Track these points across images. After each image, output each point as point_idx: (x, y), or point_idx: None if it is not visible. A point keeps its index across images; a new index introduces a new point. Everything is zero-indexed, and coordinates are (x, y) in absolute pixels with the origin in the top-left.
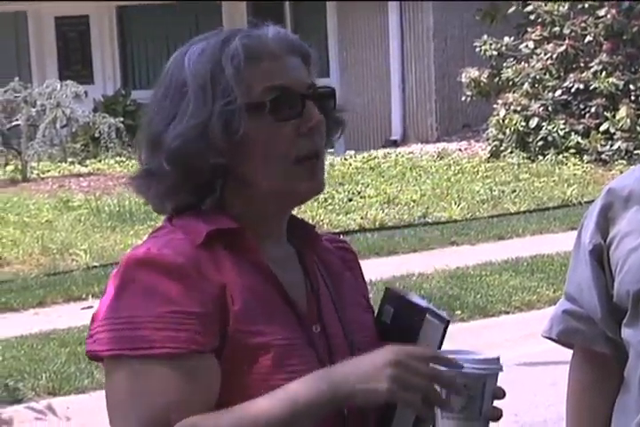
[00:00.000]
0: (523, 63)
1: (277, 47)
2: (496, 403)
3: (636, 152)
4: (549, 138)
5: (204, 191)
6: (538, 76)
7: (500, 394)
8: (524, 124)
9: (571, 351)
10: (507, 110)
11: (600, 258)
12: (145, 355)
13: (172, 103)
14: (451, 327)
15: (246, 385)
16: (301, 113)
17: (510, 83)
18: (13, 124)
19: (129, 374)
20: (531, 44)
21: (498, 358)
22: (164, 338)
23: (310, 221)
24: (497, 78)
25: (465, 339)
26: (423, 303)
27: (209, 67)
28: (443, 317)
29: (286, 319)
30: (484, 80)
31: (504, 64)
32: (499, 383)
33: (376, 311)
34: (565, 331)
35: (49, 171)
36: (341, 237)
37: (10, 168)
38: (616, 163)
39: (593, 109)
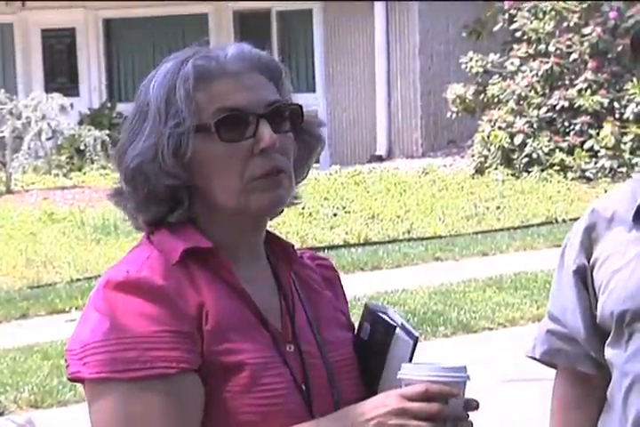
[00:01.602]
0: (508, 80)
1: (235, 66)
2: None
3: (620, 170)
4: (534, 155)
5: (171, 205)
6: (523, 94)
7: (473, 406)
8: (508, 140)
9: (554, 369)
10: (492, 127)
11: (584, 278)
12: (137, 377)
13: (137, 123)
14: (434, 343)
15: (222, 404)
16: (254, 133)
17: (495, 99)
18: None
19: (121, 397)
20: (516, 62)
21: (465, 367)
22: (155, 358)
23: (295, 236)
24: (482, 95)
25: (448, 355)
26: (397, 319)
27: (165, 88)
28: (412, 333)
29: (260, 339)
30: (470, 97)
31: (489, 81)
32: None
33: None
34: (549, 351)
35: (33, 183)
36: (325, 251)
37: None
38: (600, 180)
39: (577, 127)
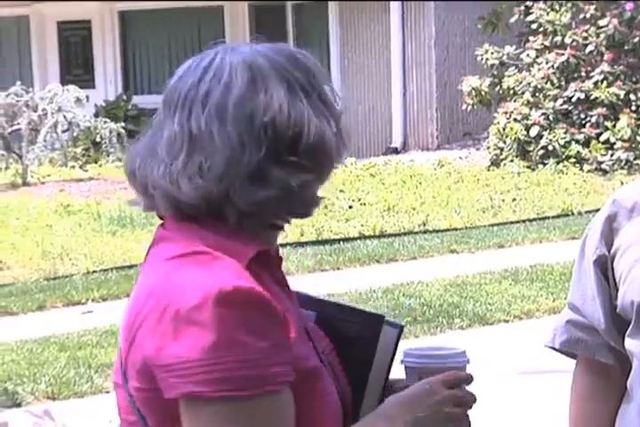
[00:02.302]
0: (524, 72)
1: None
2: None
3: (636, 162)
4: (550, 147)
5: None
6: (539, 86)
7: (470, 381)
8: (524, 133)
9: (571, 360)
10: (507, 119)
11: (604, 268)
12: (258, 394)
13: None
14: (450, 335)
15: (306, 408)
16: None
17: (511, 92)
18: (14, 128)
19: (240, 415)
20: (532, 53)
21: (464, 352)
22: (274, 374)
23: (311, 228)
24: (498, 87)
25: (464, 347)
26: (369, 310)
27: None
28: (396, 322)
29: (307, 342)
30: (485, 89)
31: (505, 73)
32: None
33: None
34: (568, 341)
35: (49, 175)
36: (341, 243)
37: (10, 172)
38: (616, 173)
39: (593, 119)
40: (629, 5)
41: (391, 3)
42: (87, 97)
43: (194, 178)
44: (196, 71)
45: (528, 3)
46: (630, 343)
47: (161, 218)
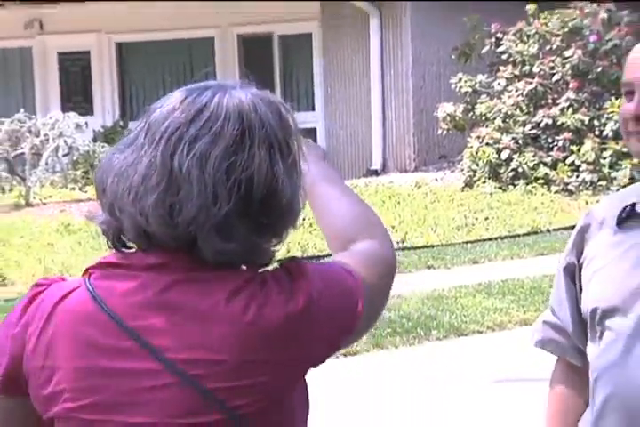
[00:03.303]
0: (495, 99)
1: None
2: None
3: (600, 183)
4: (519, 169)
5: None
6: (509, 112)
7: None
8: (496, 156)
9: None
10: (480, 143)
11: (572, 276)
12: None
13: None
14: (427, 346)
15: None
16: None
17: (483, 117)
18: (18, 152)
19: None
20: (502, 82)
21: None
22: None
23: (297, 245)
24: (471, 113)
25: (440, 357)
26: None
27: None
28: None
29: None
30: (459, 115)
31: (478, 100)
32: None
33: None
34: (542, 340)
35: (51, 196)
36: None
37: (14, 194)
38: (581, 193)
39: (560, 143)
40: (593, 37)
41: (371, 35)
42: (86, 123)
43: (164, 217)
44: (190, 108)
45: (499, 35)
46: (588, 348)
47: (116, 246)
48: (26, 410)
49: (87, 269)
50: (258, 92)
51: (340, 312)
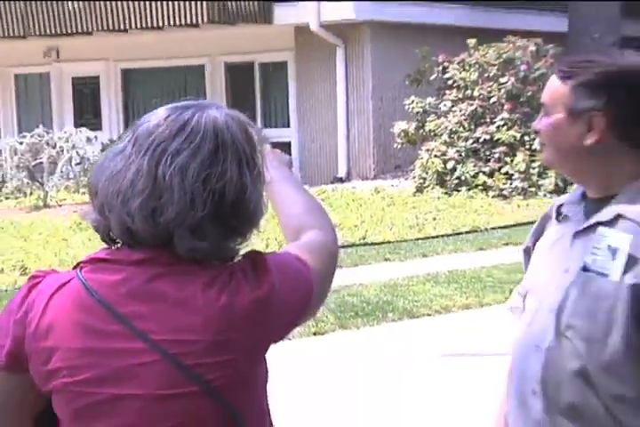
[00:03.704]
0: (442, 118)
1: None
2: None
3: (529, 189)
4: (462, 177)
5: None
6: (453, 129)
7: None
8: (442, 166)
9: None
10: (429, 155)
11: (528, 257)
12: None
13: None
14: (384, 326)
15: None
16: None
17: (432, 133)
18: (37, 161)
19: None
20: (448, 104)
21: None
22: None
23: (274, 241)
24: (421, 130)
25: (396, 337)
26: None
27: None
28: None
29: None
30: (412, 131)
31: (427, 119)
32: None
33: None
34: (511, 307)
35: (65, 199)
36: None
37: (34, 197)
38: (514, 198)
39: (496, 155)
40: (523, 67)
41: (337, 63)
42: (95, 137)
43: (148, 219)
44: (173, 125)
45: (445, 64)
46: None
47: (106, 241)
48: (26, 385)
49: (79, 264)
50: (230, 112)
51: (297, 297)
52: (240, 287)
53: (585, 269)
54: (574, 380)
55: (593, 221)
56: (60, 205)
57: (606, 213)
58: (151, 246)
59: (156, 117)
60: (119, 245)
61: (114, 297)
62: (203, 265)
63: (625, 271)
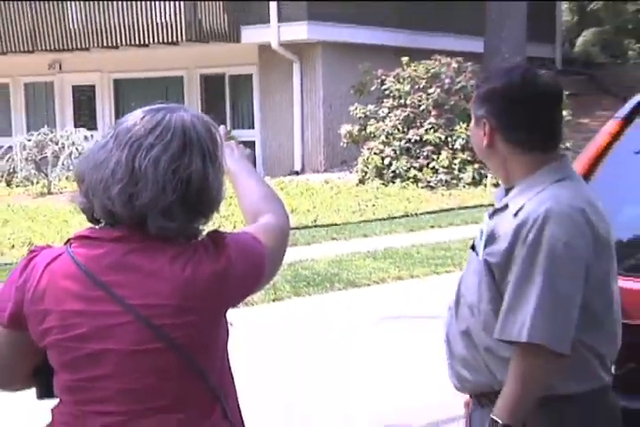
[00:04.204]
0: (380, 122)
1: None
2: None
3: (452, 182)
4: (397, 171)
5: None
6: (390, 131)
7: None
8: (380, 161)
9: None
10: (369, 153)
11: None
12: None
13: None
14: (332, 294)
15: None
16: None
17: (372, 135)
18: (43, 156)
19: None
20: (385, 110)
21: None
22: None
23: (241, 224)
24: (363, 132)
25: (342, 303)
26: None
27: None
28: None
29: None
30: (356, 133)
31: (368, 123)
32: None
33: None
34: None
35: (66, 187)
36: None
37: (40, 185)
38: (439, 188)
39: (425, 153)
40: (447, 80)
41: (294, 76)
42: (92, 135)
43: (125, 202)
44: (148, 124)
45: (383, 77)
46: None
47: (92, 221)
48: (26, 341)
49: (68, 240)
50: (195, 114)
51: (251, 269)
52: (202, 261)
53: (472, 247)
54: (462, 337)
55: (493, 208)
56: (62, 193)
57: (501, 202)
58: (127, 226)
59: (134, 117)
60: (102, 224)
61: (97, 268)
62: (171, 242)
63: (485, 249)
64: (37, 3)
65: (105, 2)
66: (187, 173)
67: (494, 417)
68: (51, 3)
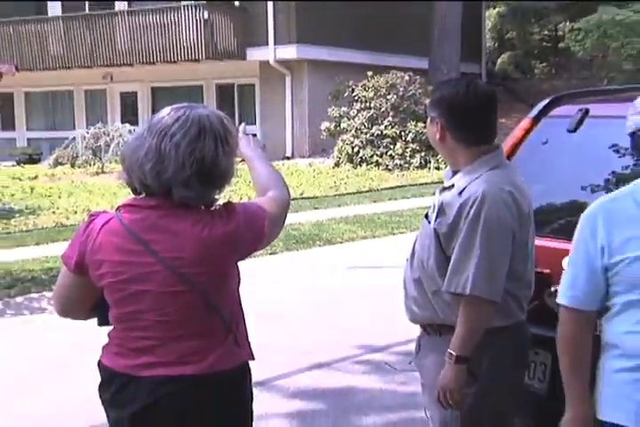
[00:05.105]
0: (351, 120)
1: None
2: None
3: (404, 166)
4: (363, 157)
5: None
6: (358, 127)
7: None
8: (351, 150)
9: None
10: (343, 143)
11: None
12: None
13: None
14: (314, 250)
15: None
16: None
17: (345, 130)
18: (98, 144)
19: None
20: (355, 111)
21: None
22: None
23: (245, 197)
24: (338, 127)
25: (322, 256)
26: None
27: None
28: None
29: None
30: (332, 128)
31: (342, 120)
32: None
33: None
34: None
35: (115, 168)
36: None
37: (95, 167)
38: (395, 170)
39: (384, 144)
40: (402, 89)
41: (286, 86)
42: (134, 129)
43: (154, 177)
44: (172, 117)
45: (353, 86)
46: None
47: (134, 192)
48: (88, 283)
49: (118, 207)
50: (212, 109)
51: (254, 230)
52: (216, 225)
53: (426, 216)
54: (415, 283)
55: (442, 186)
56: (112, 172)
57: (449, 182)
58: (159, 196)
59: (163, 113)
60: (142, 195)
61: (137, 228)
62: (192, 209)
63: (435, 220)
64: (94, 30)
65: (144, 29)
66: (201, 153)
67: (450, 351)
68: (105, 30)
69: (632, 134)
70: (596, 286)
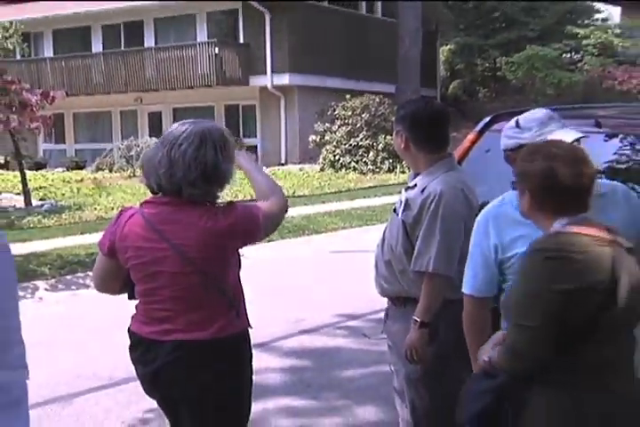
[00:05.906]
0: (333, 134)
1: None
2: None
3: (376, 170)
4: (343, 163)
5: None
6: (339, 139)
7: None
8: (334, 158)
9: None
10: (327, 152)
11: None
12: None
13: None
14: (304, 237)
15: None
16: None
17: (328, 142)
18: (130, 154)
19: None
20: (336, 127)
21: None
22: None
23: (248, 194)
24: (323, 139)
25: (311, 243)
26: None
27: None
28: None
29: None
30: (318, 140)
31: (325, 134)
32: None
33: None
34: None
35: None
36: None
37: (128, 172)
38: (368, 174)
39: (360, 153)
40: (373, 109)
41: (280, 105)
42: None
43: (167, 179)
44: (179, 131)
45: (335, 106)
46: None
47: (152, 192)
48: (117, 265)
49: (142, 203)
50: (213, 124)
51: (249, 226)
52: (218, 218)
53: (394, 210)
54: (385, 264)
55: (407, 185)
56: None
57: (412, 182)
58: (170, 194)
59: (173, 128)
60: (159, 194)
61: (154, 220)
62: (199, 205)
63: (402, 213)
64: (128, 63)
65: (168, 62)
66: (204, 159)
67: (415, 317)
68: (136, 63)
69: (504, 151)
70: (491, 276)
